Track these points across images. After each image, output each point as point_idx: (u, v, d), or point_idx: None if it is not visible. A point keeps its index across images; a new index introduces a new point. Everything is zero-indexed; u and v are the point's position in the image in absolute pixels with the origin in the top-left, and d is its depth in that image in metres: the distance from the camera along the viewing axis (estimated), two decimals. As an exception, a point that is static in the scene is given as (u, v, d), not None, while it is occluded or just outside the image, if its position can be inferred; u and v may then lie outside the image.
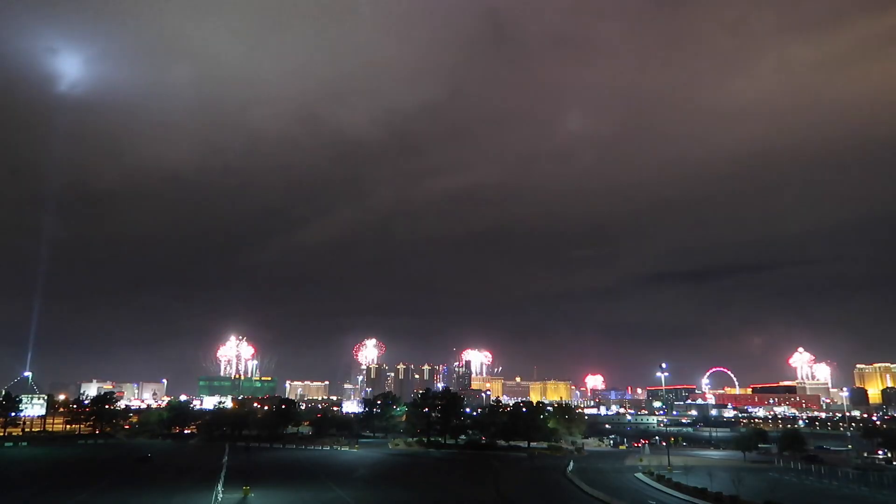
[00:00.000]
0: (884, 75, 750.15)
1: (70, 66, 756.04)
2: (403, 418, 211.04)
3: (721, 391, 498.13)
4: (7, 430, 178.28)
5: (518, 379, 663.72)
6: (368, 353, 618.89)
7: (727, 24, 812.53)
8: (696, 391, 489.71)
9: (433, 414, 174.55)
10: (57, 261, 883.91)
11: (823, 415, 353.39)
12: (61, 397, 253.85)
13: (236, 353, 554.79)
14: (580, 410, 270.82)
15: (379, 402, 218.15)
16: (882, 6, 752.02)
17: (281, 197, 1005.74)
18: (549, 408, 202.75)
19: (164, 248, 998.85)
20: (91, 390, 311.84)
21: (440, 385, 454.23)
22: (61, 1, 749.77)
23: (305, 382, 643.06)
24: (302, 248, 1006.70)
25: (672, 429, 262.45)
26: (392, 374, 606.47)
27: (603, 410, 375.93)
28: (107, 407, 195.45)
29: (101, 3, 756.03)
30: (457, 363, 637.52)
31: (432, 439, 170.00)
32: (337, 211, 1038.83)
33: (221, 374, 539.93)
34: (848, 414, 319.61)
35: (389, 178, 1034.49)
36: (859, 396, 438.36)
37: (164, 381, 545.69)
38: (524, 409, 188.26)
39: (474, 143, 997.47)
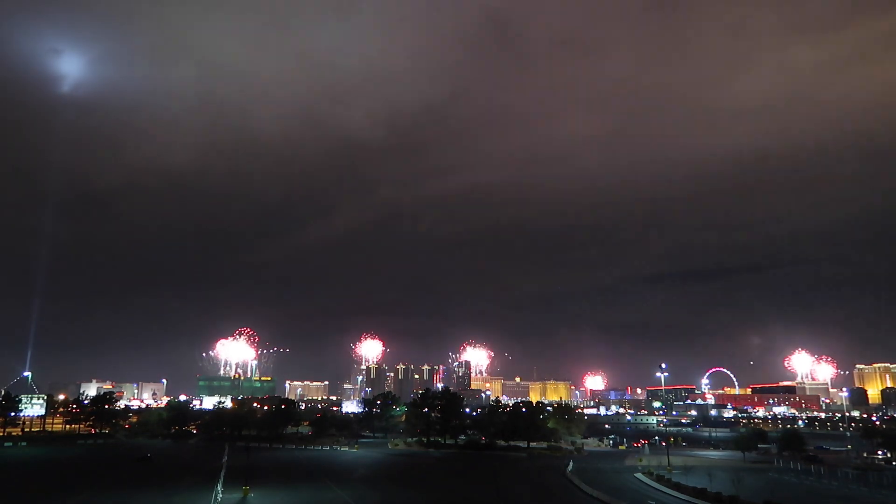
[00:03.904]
0: (884, 77, 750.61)
1: (73, 67, 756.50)
2: (403, 418, 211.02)
3: (721, 391, 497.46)
4: (6, 430, 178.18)
5: (518, 379, 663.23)
6: (368, 350, 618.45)
7: (728, 25, 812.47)
8: (696, 391, 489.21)
9: (433, 414, 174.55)
10: (57, 261, 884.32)
11: (823, 415, 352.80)
12: (61, 397, 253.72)
13: (236, 353, 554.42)
14: (580, 410, 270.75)
15: (378, 402, 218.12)
16: (883, 8, 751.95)
17: (281, 197, 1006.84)
18: (548, 408, 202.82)
19: (165, 248, 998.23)
20: (91, 390, 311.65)
21: (440, 385, 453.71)
22: (65, 2, 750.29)
23: (305, 382, 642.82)
24: (302, 248, 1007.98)
25: (672, 429, 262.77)
26: (392, 374, 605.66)
27: (602, 410, 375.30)
28: (106, 407, 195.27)
29: (104, 5, 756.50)
30: (456, 363, 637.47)
31: (432, 439, 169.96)
32: (337, 211, 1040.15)
33: (221, 374, 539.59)
34: (847, 414, 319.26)
35: (390, 178, 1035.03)
36: (859, 397, 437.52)
37: (164, 381, 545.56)
38: (524, 410, 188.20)
39: (475, 143, 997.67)
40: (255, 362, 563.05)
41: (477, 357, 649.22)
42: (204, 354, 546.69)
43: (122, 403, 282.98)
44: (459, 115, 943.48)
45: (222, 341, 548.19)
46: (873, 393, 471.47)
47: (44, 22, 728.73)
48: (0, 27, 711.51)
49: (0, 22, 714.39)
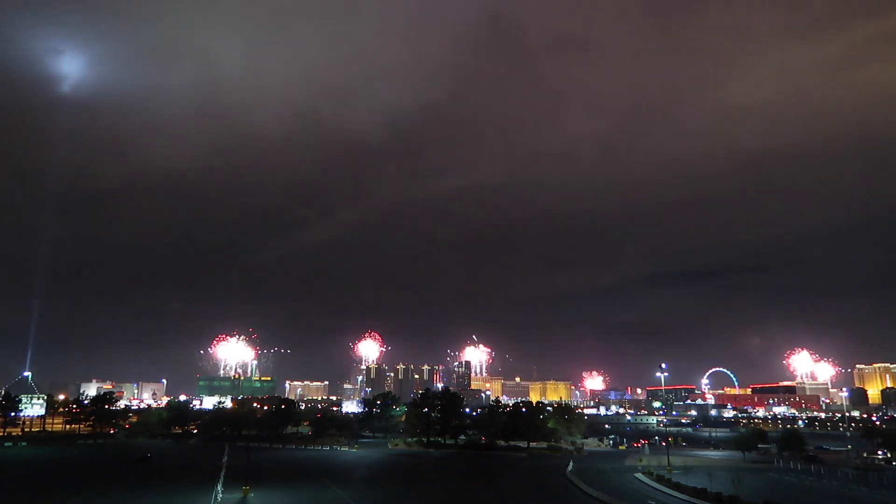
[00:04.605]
0: (883, 77, 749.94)
1: (73, 68, 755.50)
2: (403, 418, 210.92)
3: (721, 391, 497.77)
4: (7, 430, 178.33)
5: (518, 379, 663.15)
6: (368, 350, 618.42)
7: (728, 26, 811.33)
8: (696, 391, 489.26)
9: (433, 414, 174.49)
10: (57, 261, 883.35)
11: (823, 415, 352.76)
12: (61, 397, 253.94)
13: (236, 353, 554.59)
14: (580, 410, 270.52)
15: (378, 402, 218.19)
16: (882, 9, 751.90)
17: (282, 197, 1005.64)
18: (548, 408, 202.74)
19: (165, 248, 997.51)
20: (91, 390, 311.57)
21: (440, 385, 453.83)
22: (65, 3, 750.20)
23: (305, 382, 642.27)
24: (302, 249, 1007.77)
25: (672, 429, 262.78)
26: (392, 374, 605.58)
27: (602, 410, 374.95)
28: (106, 407, 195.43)
29: (105, 5, 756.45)
30: (456, 363, 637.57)
31: (432, 439, 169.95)
32: (338, 211, 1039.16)
33: (221, 374, 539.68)
34: (847, 414, 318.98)
35: (390, 179, 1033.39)
36: (859, 397, 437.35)
37: (164, 381, 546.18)
38: (524, 410, 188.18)
39: (475, 143, 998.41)
40: (254, 362, 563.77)
41: (477, 357, 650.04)
42: (202, 352, 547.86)
43: (122, 403, 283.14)
44: (459, 115, 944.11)
45: (222, 341, 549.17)
46: (873, 393, 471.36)
47: (44, 22, 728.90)
48: (0, 27, 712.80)
49: (0, 22, 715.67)
